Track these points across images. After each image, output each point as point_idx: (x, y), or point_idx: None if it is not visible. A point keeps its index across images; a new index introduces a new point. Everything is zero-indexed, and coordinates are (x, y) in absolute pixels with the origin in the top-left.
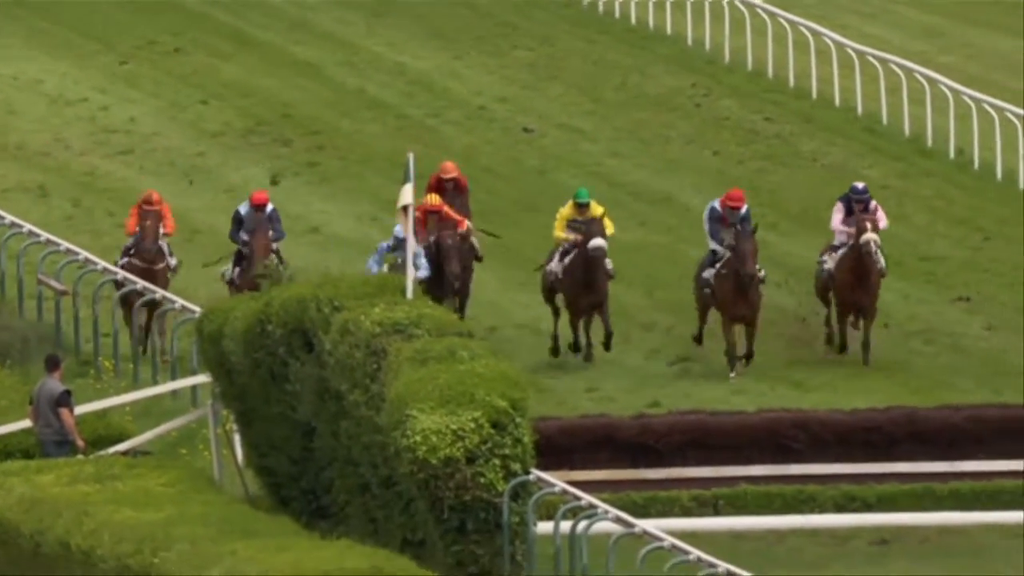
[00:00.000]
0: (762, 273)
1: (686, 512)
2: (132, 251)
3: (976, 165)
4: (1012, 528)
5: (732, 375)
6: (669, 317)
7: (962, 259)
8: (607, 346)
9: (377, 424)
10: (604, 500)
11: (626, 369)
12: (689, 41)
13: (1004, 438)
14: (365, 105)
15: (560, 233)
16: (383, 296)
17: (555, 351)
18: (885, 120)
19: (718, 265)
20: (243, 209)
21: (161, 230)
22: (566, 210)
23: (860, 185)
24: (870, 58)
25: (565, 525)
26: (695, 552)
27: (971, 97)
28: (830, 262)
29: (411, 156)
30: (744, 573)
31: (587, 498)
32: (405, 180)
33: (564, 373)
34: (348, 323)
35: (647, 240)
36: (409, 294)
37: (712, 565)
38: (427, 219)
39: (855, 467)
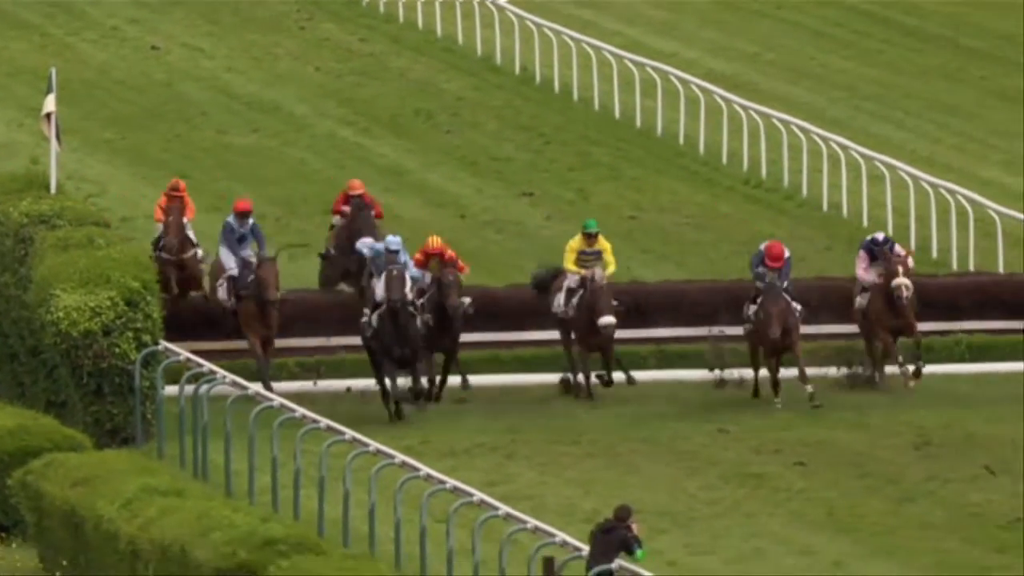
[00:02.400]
0: (799, 310)
1: (293, 376)
2: (162, 245)
3: (538, 80)
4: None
5: (777, 402)
6: (276, 209)
7: (526, 160)
8: (608, 380)
9: (25, 302)
10: (222, 367)
11: None
12: None
13: None
14: (11, 25)
15: (571, 266)
16: (30, 191)
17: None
18: (461, 41)
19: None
20: (230, 218)
21: (185, 219)
22: (575, 242)
23: (880, 236)
24: None
25: (189, 388)
26: (300, 410)
27: (533, 22)
28: (861, 301)
29: (53, 70)
30: (342, 428)
31: (208, 365)
32: (48, 91)
33: None
34: None
35: (259, 144)
36: (53, 189)
37: (315, 421)
38: (428, 261)
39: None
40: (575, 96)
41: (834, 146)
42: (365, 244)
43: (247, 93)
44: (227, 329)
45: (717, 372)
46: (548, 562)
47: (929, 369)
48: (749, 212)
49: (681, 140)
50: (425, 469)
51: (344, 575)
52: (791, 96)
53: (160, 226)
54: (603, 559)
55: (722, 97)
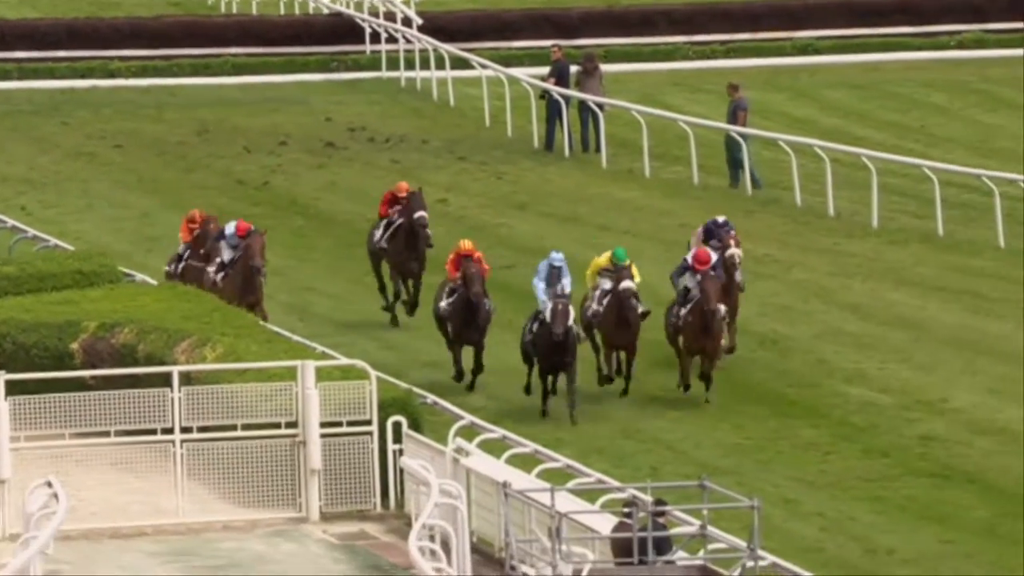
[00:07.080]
0: (723, 310)
1: None
2: (187, 255)
3: None
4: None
5: (687, 393)
6: None
7: None
8: (627, 377)
9: None
10: None
11: None
12: None
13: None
14: None
15: (589, 280)
16: None
17: (606, 379)
18: None
19: (688, 306)
20: (228, 229)
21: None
22: (602, 260)
23: (721, 219)
24: None
25: None
26: None
27: None
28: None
29: None
30: None
31: None
32: None
33: None
34: None
35: None
36: None
37: None
38: (461, 261)
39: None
40: None
41: None
42: (539, 283)
43: None
44: None
45: None
46: None
47: (249, 80)
48: None
49: None
50: None
51: None
52: None
53: (183, 247)
54: None
55: None
